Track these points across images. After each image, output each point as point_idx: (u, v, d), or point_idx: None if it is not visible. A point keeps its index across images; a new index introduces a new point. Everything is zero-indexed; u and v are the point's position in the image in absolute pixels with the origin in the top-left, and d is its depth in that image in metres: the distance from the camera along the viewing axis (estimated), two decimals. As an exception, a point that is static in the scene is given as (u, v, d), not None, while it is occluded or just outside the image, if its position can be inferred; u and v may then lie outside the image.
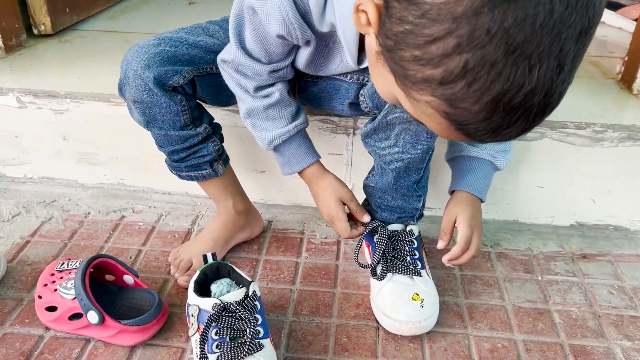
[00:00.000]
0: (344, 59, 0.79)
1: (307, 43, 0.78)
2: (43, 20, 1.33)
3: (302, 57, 0.81)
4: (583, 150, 1.02)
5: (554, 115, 1.03)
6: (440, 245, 0.87)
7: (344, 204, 0.90)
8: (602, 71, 1.26)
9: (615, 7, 1.58)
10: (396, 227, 0.92)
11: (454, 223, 0.87)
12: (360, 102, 0.87)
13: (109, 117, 1.08)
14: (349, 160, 1.08)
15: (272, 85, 0.85)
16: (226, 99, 0.94)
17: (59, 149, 1.14)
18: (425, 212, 1.06)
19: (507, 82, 0.45)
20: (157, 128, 0.87)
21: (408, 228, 0.92)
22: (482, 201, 0.91)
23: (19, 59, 1.24)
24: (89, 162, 1.15)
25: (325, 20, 0.73)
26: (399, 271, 0.87)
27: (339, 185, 0.90)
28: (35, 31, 1.35)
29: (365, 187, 0.95)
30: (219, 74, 0.87)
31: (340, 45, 0.77)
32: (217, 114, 1.03)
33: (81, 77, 1.14)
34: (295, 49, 0.81)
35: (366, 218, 0.91)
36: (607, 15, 1.57)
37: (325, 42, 0.79)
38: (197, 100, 0.92)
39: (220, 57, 0.84)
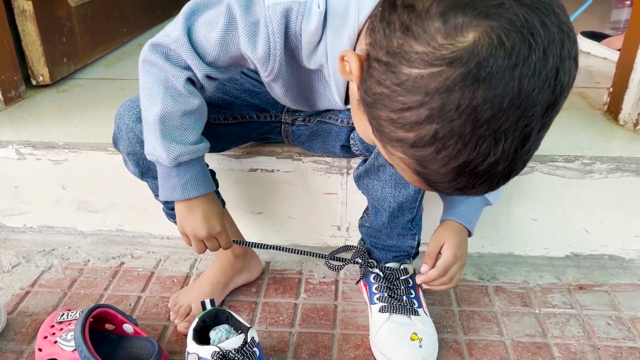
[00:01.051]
0: (331, 97, 0.79)
1: (275, 79, 0.75)
2: (41, 71, 1.37)
3: (278, 90, 0.80)
4: (573, 182, 1.04)
5: (543, 149, 1.05)
6: (424, 269, 0.84)
7: None
8: (588, 102, 1.28)
9: (599, 37, 1.62)
10: (392, 266, 0.93)
11: (440, 248, 0.86)
12: (351, 145, 0.89)
13: (106, 165, 1.10)
14: (344, 199, 1.10)
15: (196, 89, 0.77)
16: (221, 146, 0.96)
17: (58, 197, 1.15)
18: (422, 249, 1.07)
19: (473, 152, 0.49)
20: (152, 178, 0.89)
21: (403, 266, 0.93)
22: (470, 234, 0.90)
23: (18, 110, 1.27)
24: (88, 210, 1.16)
25: (314, 59, 0.72)
26: (396, 311, 0.88)
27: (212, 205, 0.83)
28: (34, 82, 1.38)
29: (361, 227, 0.96)
30: (212, 124, 0.88)
31: (326, 83, 0.78)
32: (213, 158, 1.06)
33: (79, 127, 1.16)
34: (237, 69, 0.79)
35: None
36: (592, 46, 1.60)
37: (310, 77, 0.79)
38: None
39: (151, 40, 0.75)
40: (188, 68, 0.74)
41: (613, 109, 1.18)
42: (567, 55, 0.48)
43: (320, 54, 0.71)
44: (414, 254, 0.95)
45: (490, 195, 0.91)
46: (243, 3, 0.68)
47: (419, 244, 0.95)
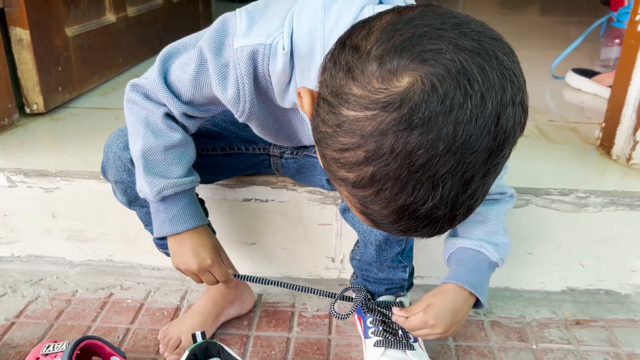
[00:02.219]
0: (309, 133, 0.77)
1: (248, 119, 0.76)
2: (36, 99, 1.36)
3: (255, 129, 0.82)
4: (568, 216, 1.04)
5: (538, 183, 1.06)
6: (395, 311, 0.81)
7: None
8: (581, 137, 1.29)
9: (590, 74, 1.64)
10: (387, 299, 0.92)
11: (421, 309, 0.79)
12: None
13: (98, 194, 1.09)
14: (339, 231, 1.09)
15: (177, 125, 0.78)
16: (209, 177, 0.96)
17: (48, 226, 1.14)
18: (417, 282, 1.06)
19: (411, 196, 0.49)
20: (139, 206, 0.89)
21: (398, 300, 0.92)
22: (479, 304, 0.81)
23: (11, 138, 1.26)
24: (78, 239, 1.14)
25: (287, 98, 0.73)
26: (391, 345, 0.86)
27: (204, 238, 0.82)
28: (28, 110, 1.38)
29: (352, 260, 0.95)
30: (200, 154, 0.88)
31: (303, 120, 0.80)
32: (207, 187, 1.05)
33: (72, 155, 1.15)
34: (219, 108, 0.79)
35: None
36: (583, 83, 1.63)
37: (287, 115, 0.80)
38: None
39: (132, 81, 0.78)
40: (165, 105, 0.76)
41: (606, 144, 1.19)
42: (510, 102, 0.47)
43: (292, 94, 0.72)
44: (407, 285, 0.93)
45: (490, 252, 0.82)
46: (214, 46, 0.70)
47: (411, 275, 0.94)
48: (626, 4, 1.73)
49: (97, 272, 1.15)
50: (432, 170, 0.47)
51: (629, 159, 1.13)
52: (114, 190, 0.89)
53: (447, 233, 0.88)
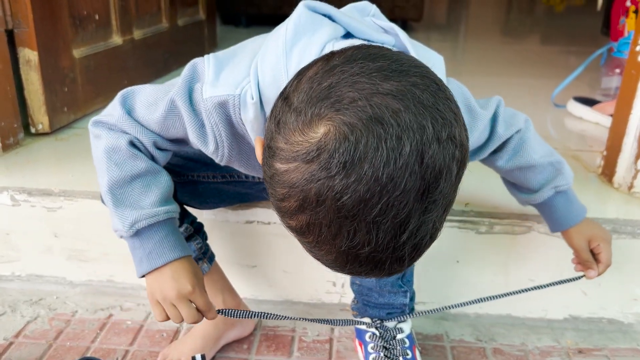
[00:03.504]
0: None
1: (229, 162, 0.75)
2: (41, 119, 1.37)
3: (240, 169, 0.79)
4: (570, 244, 1.04)
5: (540, 210, 1.03)
6: (593, 274, 0.89)
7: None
8: (583, 165, 1.30)
9: (591, 103, 1.66)
10: (388, 325, 0.91)
11: (589, 245, 0.89)
12: None
13: (100, 214, 1.09)
14: (340, 255, 1.08)
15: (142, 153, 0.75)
16: (212, 204, 0.97)
17: (50, 245, 1.13)
18: (420, 307, 1.06)
19: (348, 240, 0.49)
20: None
21: (399, 326, 0.91)
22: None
23: (16, 157, 1.27)
24: (79, 259, 1.14)
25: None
26: (392, 371, 0.85)
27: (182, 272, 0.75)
28: (33, 130, 1.39)
29: (352, 285, 0.95)
30: (201, 181, 0.89)
31: None
32: (209, 211, 1.05)
33: (75, 175, 1.16)
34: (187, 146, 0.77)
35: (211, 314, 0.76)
36: (584, 111, 1.64)
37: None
38: (178, 203, 0.89)
39: (94, 119, 0.75)
40: (129, 134, 0.73)
41: (607, 172, 1.20)
42: (434, 139, 0.47)
43: None
44: (408, 310, 0.93)
45: (560, 184, 0.87)
46: (185, 93, 0.69)
47: (412, 300, 0.93)
48: (626, 34, 1.75)
49: (97, 293, 1.14)
50: (361, 214, 0.47)
51: (630, 187, 1.13)
52: (112, 215, 0.88)
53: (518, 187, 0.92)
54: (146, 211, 0.72)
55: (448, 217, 1.03)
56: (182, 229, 0.90)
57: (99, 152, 0.74)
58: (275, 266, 1.11)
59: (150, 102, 0.72)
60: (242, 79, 0.67)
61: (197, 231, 0.94)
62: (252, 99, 0.65)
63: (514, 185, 0.92)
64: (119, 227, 0.73)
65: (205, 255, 0.95)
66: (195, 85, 0.70)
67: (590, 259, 0.89)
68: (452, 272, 1.09)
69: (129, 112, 0.73)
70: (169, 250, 0.73)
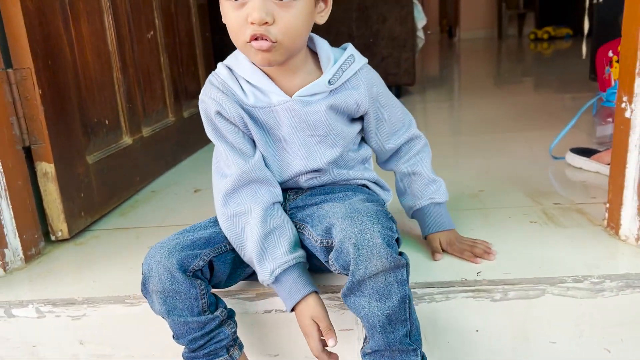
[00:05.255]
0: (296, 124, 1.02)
1: (246, 127, 1.00)
2: (60, 226, 1.43)
3: (260, 147, 1.03)
4: (585, 303, 1.05)
5: (552, 271, 1.07)
6: (439, 257, 1.14)
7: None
8: (588, 218, 1.32)
9: (589, 153, 1.70)
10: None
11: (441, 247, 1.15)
12: (330, 266, 0.92)
13: (124, 317, 1.12)
14: (360, 335, 1.10)
15: (268, 208, 0.99)
16: (243, 275, 1.05)
17: (76, 353, 1.16)
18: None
19: None
20: (177, 316, 0.93)
21: None
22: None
23: (37, 267, 1.31)
24: (104, 364, 1.16)
25: (248, 92, 1.00)
26: None
27: (314, 303, 0.96)
28: (53, 237, 1.44)
29: (363, 356, 0.96)
30: (234, 250, 0.99)
31: (283, 121, 1.01)
32: (227, 302, 1.07)
33: (97, 281, 1.20)
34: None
35: (331, 342, 0.94)
36: (583, 162, 1.68)
37: (267, 124, 1.02)
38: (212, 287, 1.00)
39: (219, 201, 1.01)
40: (234, 173, 1.00)
41: (613, 225, 1.22)
42: None
43: (247, 86, 1.05)
44: None
45: (436, 198, 1.15)
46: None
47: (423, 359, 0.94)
48: (612, 84, 1.81)
49: (124, 397, 1.15)
50: None
51: (637, 239, 1.15)
52: (152, 302, 0.94)
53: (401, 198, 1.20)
54: (279, 260, 0.94)
55: (462, 288, 1.06)
56: (218, 312, 0.96)
57: (235, 235, 0.98)
58: (298, 353, 1.12)
59: (216, 154, 1.04)
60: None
61: (229, 316, 0.99)
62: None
63: (402, 194, 1.18)
64: (264, 278, 0.96)
65: (236, 342, 0.99)
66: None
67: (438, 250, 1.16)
68: (473, 341, 1.09)
69: (219, 170, 1.03)
70: (302, 287, 0.95)
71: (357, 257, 0.85)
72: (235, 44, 0.95)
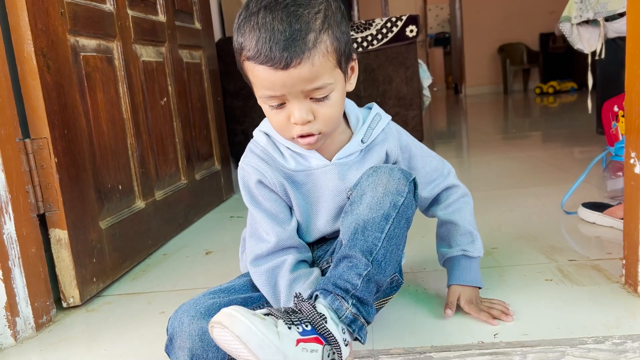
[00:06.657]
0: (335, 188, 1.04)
1: (286, 193, 1.03)
2: (72, 293, 1.42)
3: (296, 211, 1.05)
4: (608, 365, 1.02)
5: (571, 332, 1.05)
6: (449, 314, 1.13)
7: None
8: (605, 275, 1.30)
9: (602, 207, 1.68)
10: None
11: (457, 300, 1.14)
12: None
13: (135, 387, 1.10)
14: None
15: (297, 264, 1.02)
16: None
17: None
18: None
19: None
20: None
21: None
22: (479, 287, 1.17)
23: (49, 335, 1.30)
24: None
25: (288, 157, 1.03)
26: None
27: None
28: (64, 304, 1.43)
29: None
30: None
31: (323, 179, 1.04)
32: None
33: (107, 349, 1.18)
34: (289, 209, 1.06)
35: None
36: (596, 217, 1.67)
37: (306, 187, 1.05)
38: None
39: (251, 262, 1.03)
40: (271, 239, 1.02)
41: (631, 282, 1.20)
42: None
43: (286, 151, 1.07)
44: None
45: (470, 251, 1.15)
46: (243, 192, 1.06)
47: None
48: (620, 138, 1.82)
49: None
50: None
51: (657, 296, 1.13)
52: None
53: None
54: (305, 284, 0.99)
55: (480, 351, 1.04)
56: None
57: (267, 286, 1.01)
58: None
59: (249, 221, 1.07)
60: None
61: None
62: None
63: (438, 241, 1.21)
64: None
65: None
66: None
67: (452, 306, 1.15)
68: (494, 407, 1.06)
69: (255, 235, 1.05)
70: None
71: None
72: (281, 136, 1.01)
